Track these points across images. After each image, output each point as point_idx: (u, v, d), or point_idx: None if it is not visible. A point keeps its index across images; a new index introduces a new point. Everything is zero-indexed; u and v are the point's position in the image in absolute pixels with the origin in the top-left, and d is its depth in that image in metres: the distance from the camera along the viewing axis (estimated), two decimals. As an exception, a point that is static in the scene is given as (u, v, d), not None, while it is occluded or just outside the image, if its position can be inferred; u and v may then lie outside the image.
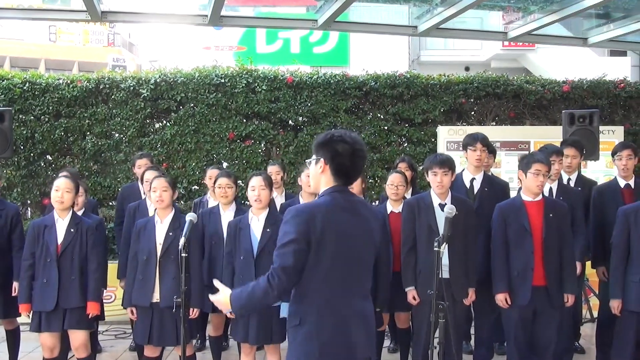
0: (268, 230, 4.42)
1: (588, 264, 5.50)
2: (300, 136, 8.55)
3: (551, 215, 4.44)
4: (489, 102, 8.95)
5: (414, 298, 4.55)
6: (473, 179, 5.14)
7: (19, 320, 5.18)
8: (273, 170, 6.08)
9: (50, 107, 8.29)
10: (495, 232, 4.58)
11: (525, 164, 4.49)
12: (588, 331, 6.28)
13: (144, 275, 4.50)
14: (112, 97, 8.40)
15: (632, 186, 5.25)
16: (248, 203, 4.72)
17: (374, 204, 7.36)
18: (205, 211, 5.36)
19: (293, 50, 18.69)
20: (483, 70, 9.51)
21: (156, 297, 4.46)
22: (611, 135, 7.90)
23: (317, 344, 2.76)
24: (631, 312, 4.45)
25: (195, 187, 8.47)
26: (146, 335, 4.48)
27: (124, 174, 8.31)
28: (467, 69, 17.23)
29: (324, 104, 8.58)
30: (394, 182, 5.02)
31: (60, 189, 4.56)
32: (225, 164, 8.39)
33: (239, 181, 6.41)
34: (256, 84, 8.51)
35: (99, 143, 8.35)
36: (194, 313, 4.50)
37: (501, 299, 4.47)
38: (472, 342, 5.49)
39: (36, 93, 8.28)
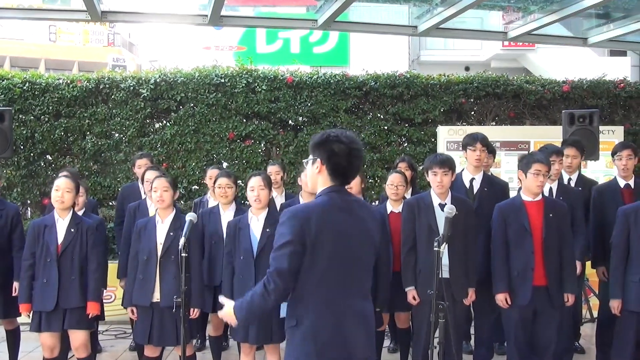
0: (268, 230, 4.42)
1: (588, 264, 5.50)
2: (300, 136, 8.55)
3: (551, 215, 4.45)
4: (489, 102, 8.95)
5: (414, 298, 4.55)
6: (473, 179, 5.14)
7: (19, 320, 5.18)
8: (273, 170, 6.08)
9: (50, 107, 8.29)
10: (495, 232, 4.58)
11: (525, 164, 4.49)
12: (588, 331, 6.28)
13: (145, 275, 4.50)
14: (112, 97, 8.40)
15: (632, 186, 5.25)
16: (248, 203, 4.72)
17: (374, 204, 7.36)
18: (205, 211, 5.36)
19: (293, 50, 18.69)
20: (483, 70, 9.51)
21: (156, 297, 4.46)
22: (611, 135, 7.90)
23: (314, 345, 2.75)
24: (631, 312, 4.45)
25: (195, 187, 8.47)
26: (146, 335, 4.48)
27: (124, 174, 8.31)
28: (467, 69, 17.23)
29: (324, 104, 8.58)
30: (393, 182, 5.03)
31: (61, 188, 4.56)
32: (225, 164, 8.39)
33: (239, 181, 6.41)
34: (256, 84, 8.51)
35: (99, 143, 8.36)
36: (194, 313, 4.51)
37: (501, 299, 4.47)
38: (472, 342, 5.49)
39: (36, 93, 8.28)
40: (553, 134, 7.13)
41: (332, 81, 8.64)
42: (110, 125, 8.42)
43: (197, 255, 4.66)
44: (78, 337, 4.55)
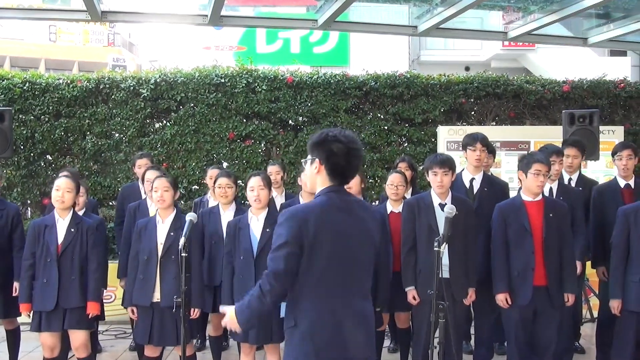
0: (267, 230, 4.41)
1: (588, 264, 5.50)
2: (300, 136, 8.55)
3: (551, 215, 4.44)
4: (489, 102, 8.95)
5: (414, 298, 4.55)
6: (472, 179, 5.14)
7: (20, 320, 5.18)
8: (273, 170, 6.08)
9: (50, 107, 8.29)
10: (495, 232, 4.58)
11: (525, 164, 4.49)
12: (588, 331, 6.28)
13: (145, 275, 4.50)
14: (112, 97, 8.40)
15: (632, 186, 5.25)
16: (248, 203, 4.72)
17: (374, 204, 7.36)
18: (205, 211, 5.37)
19: (293, 50, 18.69)
20: (483, 70, 9.51)
21: (157, 297, 4.46)
22: (611, 135, 7.90)
23: (312, 345, 2.74)
24: (631, 312, 4.45)
25: (195, 187, 8.47)
26: (147, 335, 4.48)
27: (124, 174, 8.31)
28: (467, 69, 17.24)
29: (324, 104, 8.58)
30: (393, 182, 5.03)
31: (61, 188, 4.56)
32: (225, 164, 8.39)
33: (239, 181, 6.41)
34: (256, 84, 8.51)
35: (99, 143, 8.36)
36: (195, 313, 4.51)
37: (502, 299, 4.47)
38: (472, 342, 5.49)
39: (36, 93, 8.28)
40: (553, 134, 7.13)
41: (332, 81, 8.64)
42: (110, 125, 8.42)
43: (197, 255, 4.67)
44: (78, 337, 4.56)
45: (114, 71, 9.43)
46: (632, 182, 5.26)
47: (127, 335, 6.42)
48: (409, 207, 4.67)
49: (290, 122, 8.70)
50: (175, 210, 4.65)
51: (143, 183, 5.63)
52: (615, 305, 4.53)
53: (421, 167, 5.80)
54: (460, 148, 5.46)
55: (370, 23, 7.81)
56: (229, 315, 2.89)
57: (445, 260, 4.18)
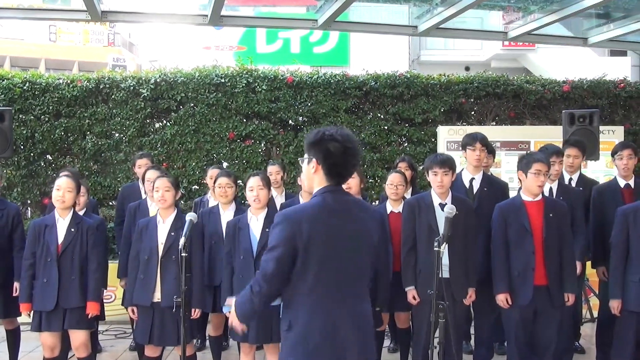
0: (267, 230, 4.40)
1: (588, 264, 5.50)
2: (300, 136, 8.55)
3: (551, 215, 4.44)
4: (489, 102, 8.95)
5: (414, 298, 4.55)
6: (472, 178, 5.14)
7: (20, 319, 5.18)
8: (273, 170, 6.09)
9: (50, 107, 8.29)
10: (495, 232, 4.58)
11: (525, 164, 4.49)
12: (588, 331, 6.28)
13: (145, 274, 4.50)
14: (112, 97, 8.41)
15: (632, 186, 5.25)
16: (247, 203, 4.73)
17: (374, 204, 7.36)
18: (205, 211, 5.37)
19: (293, 50, 18.70)
20: (483, 70, 9.51)
21: (157, 297, 4.46)
22: (611, 135, 7.90)
23: (306, 348, 2.73)
24: (631, 312, 4.45)
25: (196, 187, 8.47)
26: (147, 335, 4.48)
27: (124, 173, 8.31)
28: (467, 69, 17.24)
29: (324, 104, 8.58)
30: (393, 182, 5.03)
31: (62, 188, 4.56)
32: (225, 164, 8.40)
33: (239, 181, 6.41)
34: (256, 84, 8.51)
35: (99, 143, 8.36)
36: (195, 313, 4.51)
37: (502, 299, 4.47)
38: (472, 342, 5.49)
39: (36, 93, 8.28)
40: (553, 134, 7.14)
41: (332, 81, 8.65)
42: (111, 125, 8.42)
43: (198, 255, 4.66)
44: (78, 337, 4.56)
45: (114, 71, 9.43)
46: (632, 182, 5.26)
47: (127, 335, 6.42)
48: (409, 207, 4.67)
49: (290, 122, 8.70)
50: (176, 210, 4.65)
51: (143, 183, 5.63)
52: (615, 305, 4.52)
53: (421, 167, 5.80)
54: (460, 148, 5.46)
55: (370, 23, 7.81)
56: (233, 311, 2.92)
57: (445, 260, 4.18)
